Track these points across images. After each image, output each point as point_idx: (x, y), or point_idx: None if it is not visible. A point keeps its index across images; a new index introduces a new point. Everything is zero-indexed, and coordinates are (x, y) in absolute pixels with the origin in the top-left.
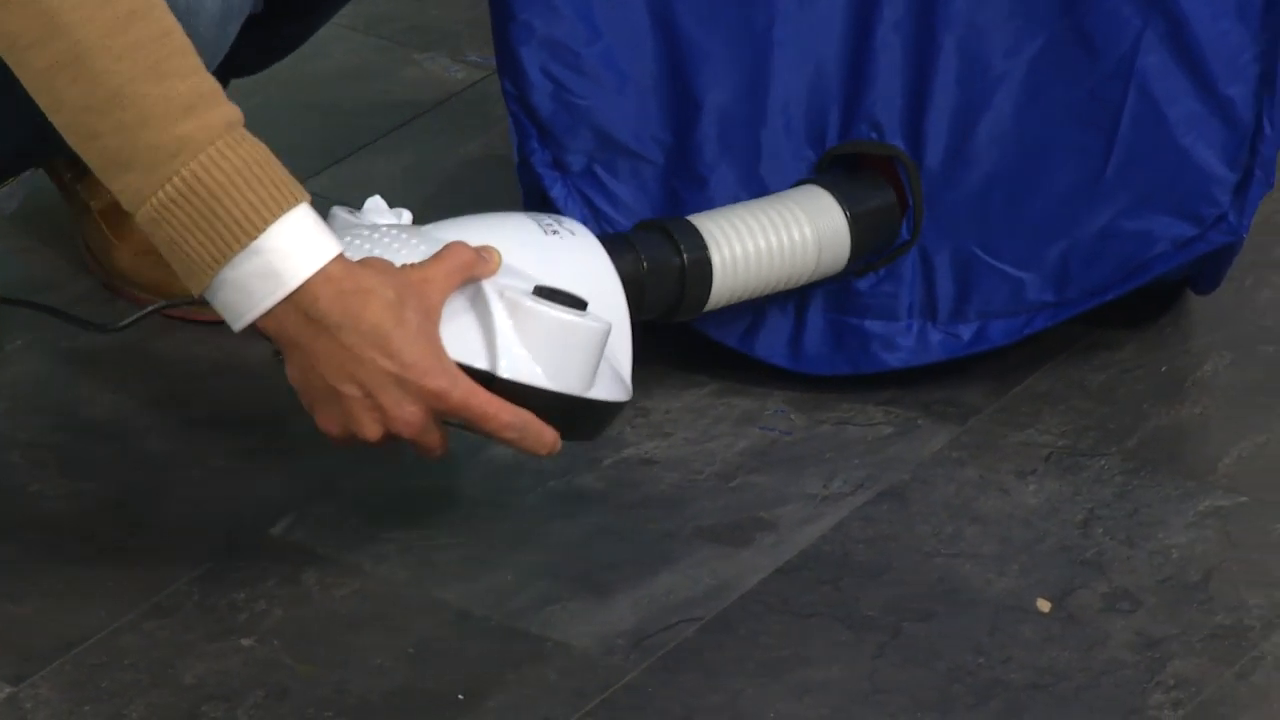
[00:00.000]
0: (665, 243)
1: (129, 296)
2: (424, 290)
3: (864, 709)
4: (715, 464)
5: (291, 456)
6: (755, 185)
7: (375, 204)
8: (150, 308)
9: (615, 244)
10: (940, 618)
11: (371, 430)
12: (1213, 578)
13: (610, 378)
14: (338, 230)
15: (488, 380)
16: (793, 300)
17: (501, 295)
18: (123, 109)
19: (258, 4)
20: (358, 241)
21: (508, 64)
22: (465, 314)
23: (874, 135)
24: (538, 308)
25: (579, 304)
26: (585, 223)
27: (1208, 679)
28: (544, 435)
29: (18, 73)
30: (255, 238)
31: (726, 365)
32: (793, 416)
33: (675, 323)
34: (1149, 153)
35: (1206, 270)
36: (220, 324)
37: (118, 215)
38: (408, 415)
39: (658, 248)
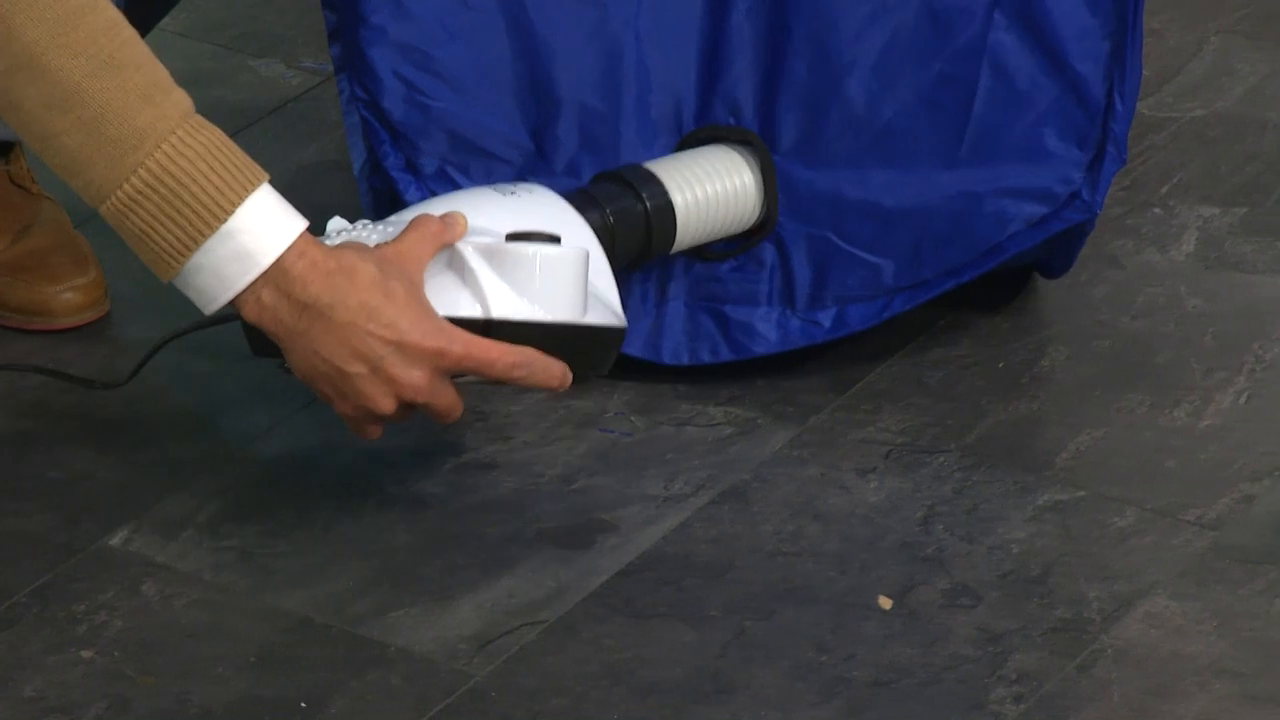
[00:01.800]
0: (626, 191)
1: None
2: (402, 262)
3: (707, 709)
4: (556, 467)
5: (129, 466)
6: None
7: (338, 224)
8: (157, 344)
9: (577, 198)
10: (782, 616)
11: (385, 403)
12: (1052, 572)
13: (602, 308)
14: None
15: (484, 328)
16: (652, 290)
17: (476, 249)
18: (82, 105)
19: None
20: (335, 239)
21: (358, 67)
22: (446, 274)
23: (731, 120)
24: (514, 247)
25: (552, 239)
26: None
27: (1049, 673)
28: (551, 368)
29: None
30: (225, 221)
31: None
32: (633, 418)
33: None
34: (1001, 134)
35: (1059, 251)
36: (52, 333)
37: None
38: (415, 380)
39: (620, 197)
